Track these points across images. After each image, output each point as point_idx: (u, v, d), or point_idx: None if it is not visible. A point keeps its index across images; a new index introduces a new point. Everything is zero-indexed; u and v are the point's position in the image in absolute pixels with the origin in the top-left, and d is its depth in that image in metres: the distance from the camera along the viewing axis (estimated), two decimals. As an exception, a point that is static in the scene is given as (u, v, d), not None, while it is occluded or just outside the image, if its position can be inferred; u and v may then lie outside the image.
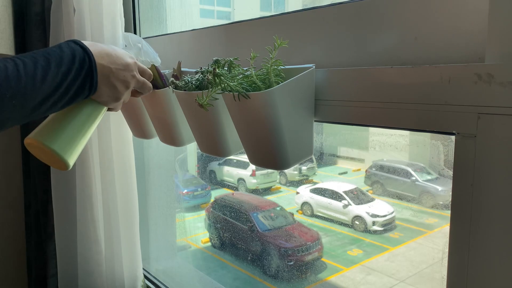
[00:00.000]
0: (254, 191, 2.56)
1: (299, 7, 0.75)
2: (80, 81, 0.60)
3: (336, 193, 2.14)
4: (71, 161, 0.64)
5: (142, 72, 0.73)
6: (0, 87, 0.50)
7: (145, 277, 1.27)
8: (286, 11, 0.77)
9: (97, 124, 0.70)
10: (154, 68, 0.84)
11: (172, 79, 0.79)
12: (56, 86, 0.56)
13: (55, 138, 0.63)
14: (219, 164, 2.74)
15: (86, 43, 0.63)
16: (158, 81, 0.83)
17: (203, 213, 2.43)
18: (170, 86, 0.78)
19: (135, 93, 0.77)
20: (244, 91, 0.61)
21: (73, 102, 0.61)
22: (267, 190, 2.55)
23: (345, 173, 2.26)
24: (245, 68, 0.68)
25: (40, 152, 0.65)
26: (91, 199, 1.06)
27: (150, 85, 0.75)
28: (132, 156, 1.09)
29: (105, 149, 1.06)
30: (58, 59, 0.57)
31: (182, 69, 0.87)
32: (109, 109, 0.72)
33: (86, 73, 0.60)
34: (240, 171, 2.62)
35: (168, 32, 1.18)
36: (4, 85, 0.50)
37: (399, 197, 2.00)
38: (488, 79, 0.46)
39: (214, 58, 0.68)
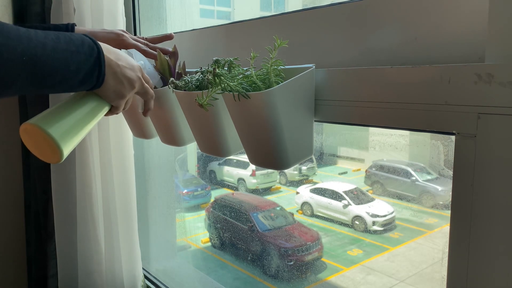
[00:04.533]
0: (254, 191, 2.55)
1: (299, 7, 0.75)
2: (90, 66, 0.60)
3: (336, 193, 2.14)
4: (66, 151, 0.61)
5: (146, 81, 0.74)
6: (11, 40, 0.51)
7: (145, 277, 1.27)
8: (286, 11, 0.77)
9: (96, 122, 0.69)
10: (166, 60, 0.85)
11: (172, 79, 0.79)
12: (66, 62, 0.57)
13: (53, 124, 0.61)
14: (219, 164, 2.74)
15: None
16: (166, 72, 0.85)
17: (203, 213, 2.43)
18: (169, 86, 0.78)
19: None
20: (244, 91, 0.61)
21: (81, 88, 0.62)
22: (267, 190, 2.54)
23: (345, 173, 2.26)
24: (245, 68, 0.68)
25: (34, 141, 0.62)
26: (91, 199, 1.06)
27: (153, 92, 0.76)
28: (132, 156, 1.09)
29: (105, 149, 1.06)
30: (67, 39, 0.58)
31: (182, 69, 0.88)
32: (108, 113, 0.72)
33: (95, 60, 0.61)
34: (240, 171, 2.62)
35: (168, 32, 1.18)
36: (15, 39, 0.51)
37: (399, 197, 2.00)
38: (488, 79, 0.46)
39: (214, 58, 0.68)
